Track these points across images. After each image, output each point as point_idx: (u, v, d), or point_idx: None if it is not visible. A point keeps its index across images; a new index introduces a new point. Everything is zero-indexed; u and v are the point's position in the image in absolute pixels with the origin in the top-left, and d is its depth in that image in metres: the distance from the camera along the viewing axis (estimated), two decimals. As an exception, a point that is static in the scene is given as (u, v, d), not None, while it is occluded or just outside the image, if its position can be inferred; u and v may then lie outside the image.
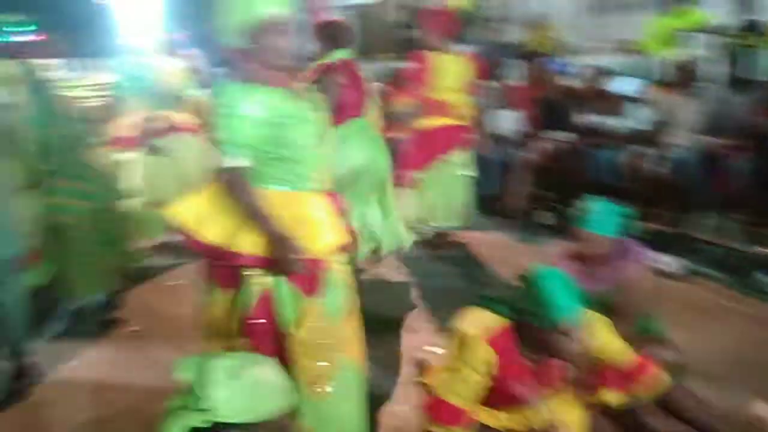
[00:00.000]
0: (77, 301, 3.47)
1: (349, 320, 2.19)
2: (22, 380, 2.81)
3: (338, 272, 2.15)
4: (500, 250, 4.48)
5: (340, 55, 3.42)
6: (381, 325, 3.31)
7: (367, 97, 3.61)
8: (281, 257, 1.91)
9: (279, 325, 2.01)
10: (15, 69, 3.21)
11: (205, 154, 4.40)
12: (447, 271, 4.16)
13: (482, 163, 4.83)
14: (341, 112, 3.28)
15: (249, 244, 1.94)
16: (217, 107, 1.93)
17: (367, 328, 3.10)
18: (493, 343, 1.89)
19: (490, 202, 5.05)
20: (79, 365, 3.01)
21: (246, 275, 1.98)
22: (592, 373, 2.06)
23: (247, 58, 1.98)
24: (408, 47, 8.93)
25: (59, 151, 3.23)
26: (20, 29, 3.49)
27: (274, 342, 2.02)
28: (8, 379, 2.79)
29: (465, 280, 4.00)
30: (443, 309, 3.48)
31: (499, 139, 5.39)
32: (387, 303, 3.61)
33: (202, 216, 2.00)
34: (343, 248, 2.17)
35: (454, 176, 4.33)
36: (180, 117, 4.38)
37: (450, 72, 4.12)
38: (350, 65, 3.51)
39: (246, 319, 2.00)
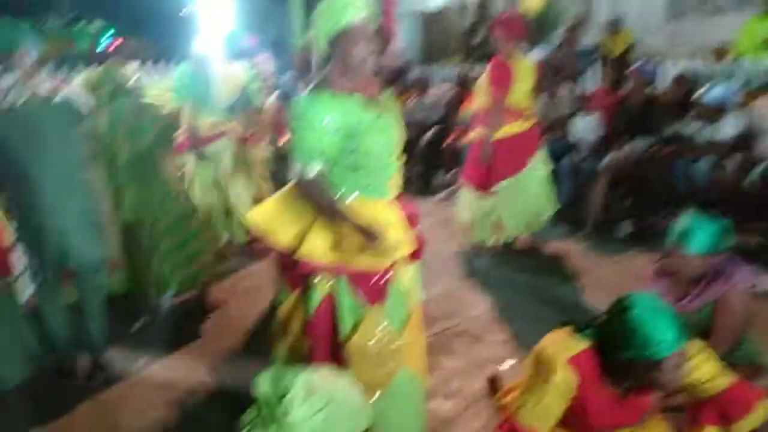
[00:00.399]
0: (152, 302, 3.54)
1: (412, 330, 2.15)
2: (95, 378, 2.90)
3: (404, 281, 2.12)
4: (575, 259, 4.28)
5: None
6: (449, 336, 3.23)
7: None
8: (368, 245, 1.93)
9: (338, 331, 2.03)
10: (97, 75, 3.32)
11: (253, 161, 4.43)
12: (520, 281, 3.99)
13: (558, 171, 4.65)
14: None
15: (316, 250, 1.97)
16: (295, 115, 1.95)
17: (434, 339, 3.02)
18: (576, 366, 1.75)
19: (567, 211, 4.85)
20: (152, 366, 3.05)
21: (311, 279, 2.02)
22: (690, 406, 1.88)
23: (327, 65, 1.98)
24: (474, 53, 8.85)
25: (134, 155, 3.30)
26: (101, 35, 3.59)
27: (331, 346, 2.05)
28: (84, 377, 2.89)
29: (538, 290, 3.82)
30: (515, 320, 3.37)
31: (576, 146, 5.19)
32: (456, 312, 3.49)
33: (275, 220, 2.06)
34: (412, 257, 2.14)
35: (537, 179, 4.21)
36: (229, 125, 4.32)
37: (523, 77, 4.00)
38: None
39: (308, 321, 2.05)
